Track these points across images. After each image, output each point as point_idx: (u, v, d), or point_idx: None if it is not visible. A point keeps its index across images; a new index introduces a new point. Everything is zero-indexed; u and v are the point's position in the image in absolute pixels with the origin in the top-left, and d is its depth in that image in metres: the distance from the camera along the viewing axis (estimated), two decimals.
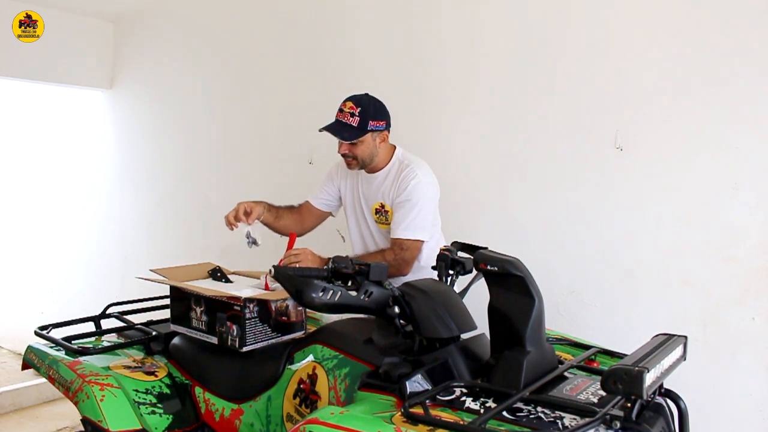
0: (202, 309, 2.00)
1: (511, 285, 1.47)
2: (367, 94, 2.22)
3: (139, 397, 1.90)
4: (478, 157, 2.74)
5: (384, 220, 2.26)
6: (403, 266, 2.15)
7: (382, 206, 2.26)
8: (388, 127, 2.23)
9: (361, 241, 2.37)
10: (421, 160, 2.28)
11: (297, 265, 1.96)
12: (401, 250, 2.15)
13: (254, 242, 2.23)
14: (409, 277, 2.04)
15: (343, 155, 2.23)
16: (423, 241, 2.18)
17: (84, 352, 2.02)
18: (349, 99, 2.18)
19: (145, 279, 2.18)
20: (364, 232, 2.36)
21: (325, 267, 1.62)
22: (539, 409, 1.34)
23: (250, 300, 1.90)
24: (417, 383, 1.46)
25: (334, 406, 1.51)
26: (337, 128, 2.16)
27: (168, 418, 1.92)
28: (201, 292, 1.98)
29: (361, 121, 2.14)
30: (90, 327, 2.28)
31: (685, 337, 1.49)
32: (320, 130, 2.18)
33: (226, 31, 3.87)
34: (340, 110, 2.18)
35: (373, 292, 1.54)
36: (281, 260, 2.05)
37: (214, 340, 1.96)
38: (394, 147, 2.30)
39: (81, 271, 4.96)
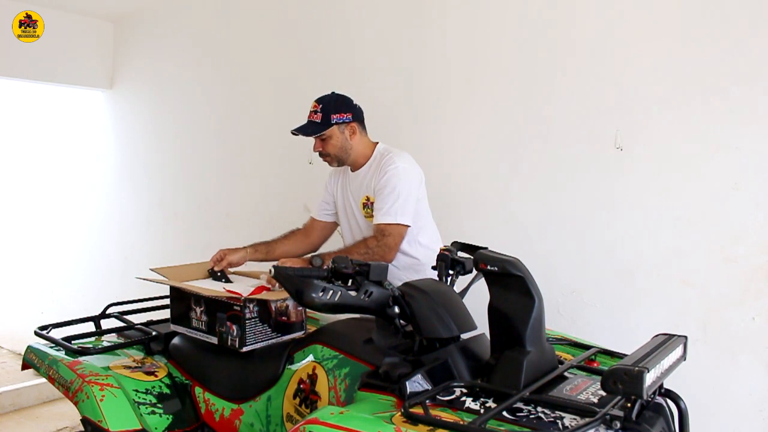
0: (202, 309, 2.00)
1: (511, 285, 1.47)
2: (332, 93, 2.31)
3: (139, 397, 1.90)
4: (478, 156, 2.74)
5: (371, 213, 2.29)
6: (386, 252, 2.15)
7: (368, 199, 2.30)
8: (356, 119, 2.30)
9: (351, 237, 2.40)
10: (403, 151, 2.32)
11: None
12: (383, 236, 2.16)
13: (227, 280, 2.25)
14: (409, 277, 2.04)
15: (319, 153, 2.33)
16: (406, 226, 2.20)
17: (84, 352, 2.02)
18: (315, 100, 2.29)
19: (145, 279, 2.18)
20: (354, 229, 2.39)
21: (325, 267, 1.63)
22: (539, 409, 1.34)
23: (250, 300, 1.90)
24: (417, 383, 1.45)
25: (334, 406, 1.51)
26: (304, 127, 2.27)
27: (168, 418, 1.92)
28: (201, 292, 1.98)
29: (323, 116, 2.24)
30: (90, 327, 2.28)
31: (685, 337, 1.49)
32: (292, 132, 2.28)
33: (226, 31, 3.87)
34: (309, 112, 2.28)
35: (373, 292, 1.53)
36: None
37: (214, 340, 1.96)
38: (376, 143, 2.35)
39: (81, 271, 4.96)
